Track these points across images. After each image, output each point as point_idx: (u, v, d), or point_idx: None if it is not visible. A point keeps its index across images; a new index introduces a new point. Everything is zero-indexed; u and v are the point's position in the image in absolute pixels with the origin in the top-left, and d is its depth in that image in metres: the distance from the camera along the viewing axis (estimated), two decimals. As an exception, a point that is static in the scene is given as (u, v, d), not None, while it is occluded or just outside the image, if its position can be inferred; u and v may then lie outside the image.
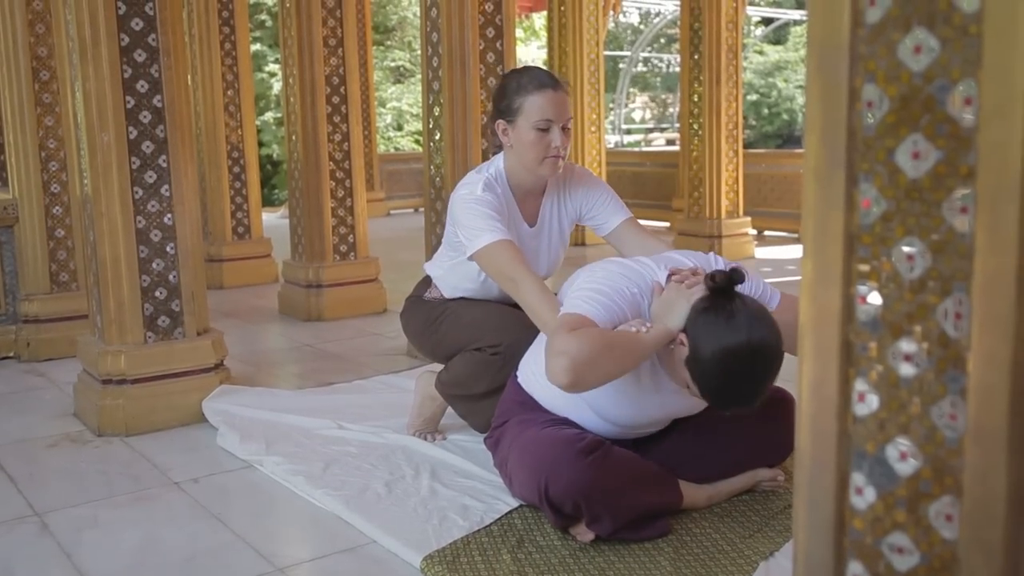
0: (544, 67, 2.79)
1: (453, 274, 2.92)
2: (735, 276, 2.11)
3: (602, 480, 2.18)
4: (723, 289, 2.10)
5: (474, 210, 2.61)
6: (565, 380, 2.02)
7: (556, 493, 2.17)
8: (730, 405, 2.10)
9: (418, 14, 4.74)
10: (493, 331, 2.73)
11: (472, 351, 2.77)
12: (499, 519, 2.40)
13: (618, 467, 2.24)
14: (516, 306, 2.66)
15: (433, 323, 2.91)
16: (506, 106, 2.68)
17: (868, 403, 0.87)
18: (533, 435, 2.31)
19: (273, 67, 16.01)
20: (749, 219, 7.30)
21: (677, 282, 2.23)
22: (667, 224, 8.95)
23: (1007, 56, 0.74)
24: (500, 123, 2.71)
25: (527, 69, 2.77)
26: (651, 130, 22.98)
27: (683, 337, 2.12)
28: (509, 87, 2.69)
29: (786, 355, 2.02)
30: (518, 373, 2.57)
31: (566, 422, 2.39)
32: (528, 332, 2.59)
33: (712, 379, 2.07)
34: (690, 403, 2.37)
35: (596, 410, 2.35)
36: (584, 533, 2.24)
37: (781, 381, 2.15)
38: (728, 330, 2.03)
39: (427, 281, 3.05)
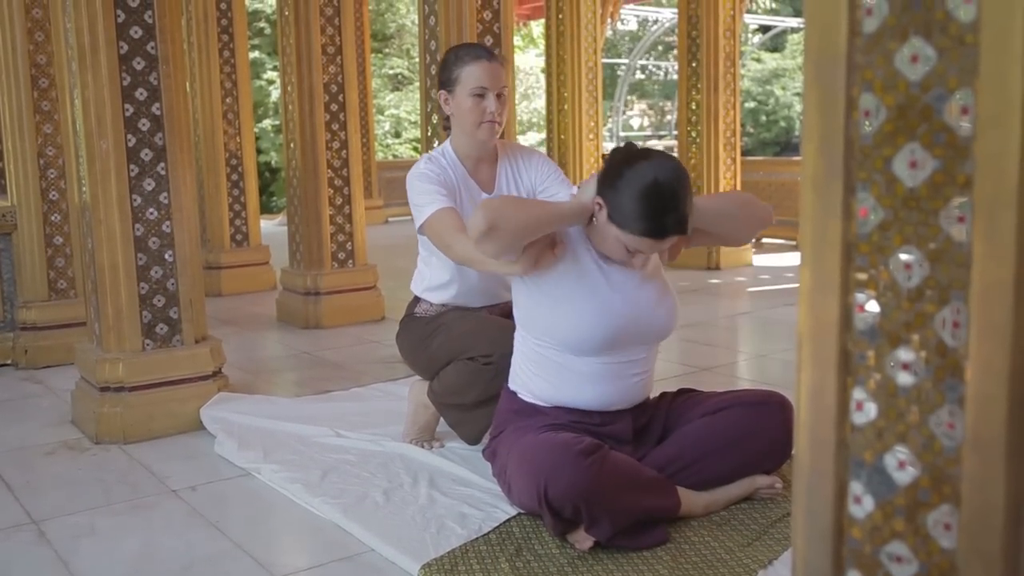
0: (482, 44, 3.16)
1: (430, 271, 2.96)
2: (628, 145, 2.38)
3: (601, 481, 2.18)
4: (617, 151, 2.36)
5: (416, 186, 2.76)
6: (482, 224, 2.22)
7: (556, 495, 2.17)
8: (661, 234, 2.25)
9: (416, 22, 4.75)
10: (486, 341, 2.74)
11: (465, 360, 2.78)
12: (497, 527, 2.40)
13: (616, 470, 2.24)
14: (508, 315, 2.70)
15: (426, 338, 2.92)
16: (446, 77, 2.86)
17: (866, 412, 0.87)
18: (531, 440, 2.31)
19: (272, 75, 16.04)
20: (747, 226, 7.29)
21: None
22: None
23: (1003, 66, 0.75)
24: (442, 93, 2.89)
25: (466, 44, 3.02)
26: (649, 137, 23.00)
27: (599, 200, 2.32)
28: (448, 60, 2.88)
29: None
30: (509, 381, 2.60)
31: (563, 427, 2.40)
32: None
33: (637, 218, 2.24)
34: (652, 299, 2.47)
35: (571, 331, 2.38)
36: (582, 541, 2.24)
37: (778, 387, 2.15)
38: (633, 174, 2.25)
39: (415, 300, 3.07)
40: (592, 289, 2.41)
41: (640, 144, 2.41)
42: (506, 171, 2.94)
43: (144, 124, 3.26)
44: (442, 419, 3.00)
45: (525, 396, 2.52)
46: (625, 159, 2.30)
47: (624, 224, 2.26)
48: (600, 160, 8.21)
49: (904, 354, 0.84)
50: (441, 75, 2.89)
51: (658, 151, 2.38)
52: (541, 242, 2.36)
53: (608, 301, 2.40)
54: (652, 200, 2.21)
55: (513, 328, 2.62)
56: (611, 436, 2.45)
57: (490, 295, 2.94)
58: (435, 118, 4.02)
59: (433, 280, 2.96)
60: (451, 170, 2.84)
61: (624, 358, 2.45)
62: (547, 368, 2.46)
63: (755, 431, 2.49)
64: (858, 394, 0.87)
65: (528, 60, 20.43)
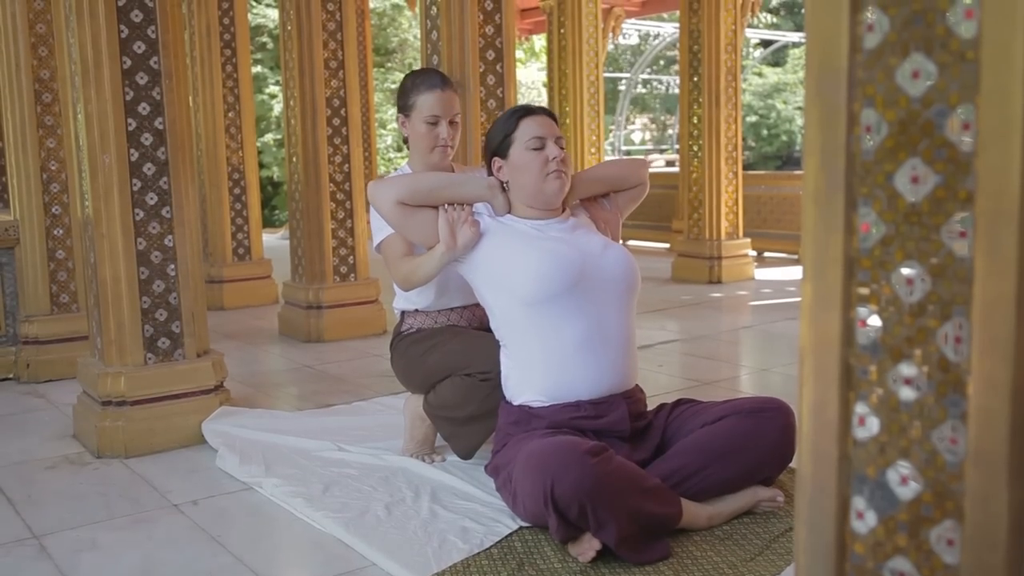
0: (439, 70, 3.35)
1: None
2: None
3: (607, 481, 2.18)
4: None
5: (374, 212, 2.88)
6: (374, 189, 2.65)
7: (563, 493, 2.16)
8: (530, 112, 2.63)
9: (419, 36, 4.77)
10: (482, 358, 2.75)
11: (462, 376, 2.79)
12: (499, 542, 2.39)
13: (622, 472, 2.26)
14: None
15: (422, 356, 2.92)
16: (403, 103, 3.01)
17: (868, 427, 0.87)
18: (536, 444, 2.32)
19: (274, 89, 16.07)
20: (749, 240, 7.31)
21: None
22: (667, 245, 8.96)
23: (1005, 81, 0.75)
24: (400, 117, 3.05)
25: (423, 71, 3.15)
26: (651, 151, 23.03)
27: (495, 162, 2.68)
28: (406, 86, 3.02)
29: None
30: (503, 393, 2.64)
31: (562, 427, 2.43)
32: None
33: (511, 113, 2.65)
34: (588, 235, 2.66)
35: (537, 285, 2.49)
36: (585, 552, 2.23)
37: (780, 396, 2.14)
38: (503, 116, 2.69)
39: (401, 319, 3.09)
40: (533, 242, 2.57)
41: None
42: None
43: (147, 138, 3.27)
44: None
45: (519, 399, 2.55)
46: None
47: (510, 122, 2.63)
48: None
49: (906, 369, 0.84)
50: (399, 100, 3.03)
51: None
52: (453, 217, 2.60)
53: (550, 246, 2.56)
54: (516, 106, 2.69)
55: None
56: (609, 430, 2.48)
57: (466, 294, 2.94)
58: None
59: (420, 295, 2.99)
60: None
61: (598, 316, 2.51)
62: (532, 361, 2.53)
63: (755, 438, 2.49)
64: (860, 409, 0.87)
65: (530, 74, 20.48)
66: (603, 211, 2.82)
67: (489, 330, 2.82)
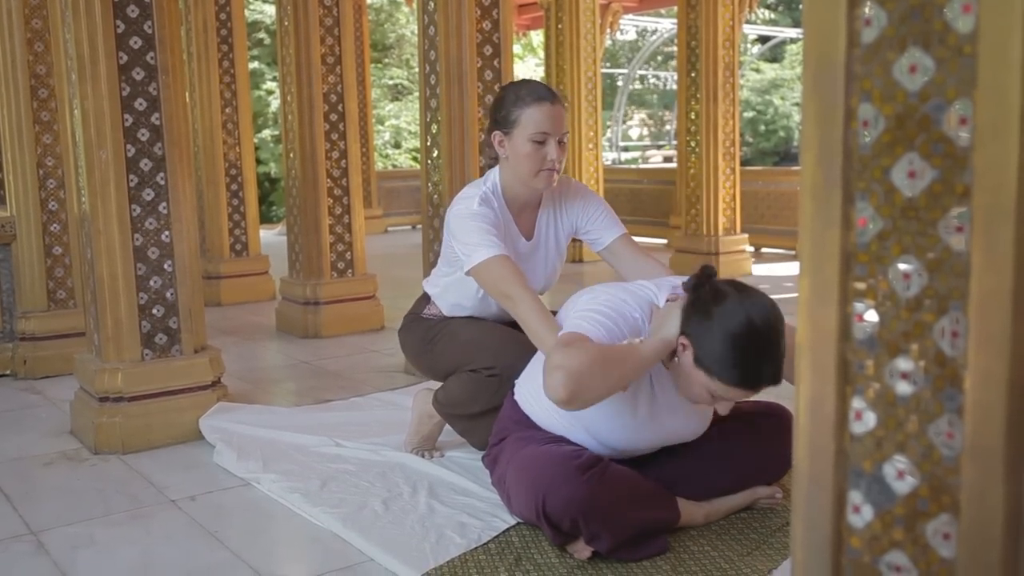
0: (543, 82, 2.84)
1: (451, 291, 2.92)
2: (707, 269, 2.17)
3: (600, 496, 2.17)
4: (703, 282, 2.15)
5: (471, 226, 2.60)
6: (563, 394, 2.01)
7: (554, 510, 2.17)
8: (756, 384, 2.07)
9: (416, 32, 4.76)
10: (490, 352, 2.72)
11: (468, 372, 2.76)
12: (497, 537, 2.39)
13: (616, 483, 2.24)
14: (514, 324, 2.64)
15: (430, 341, 2.90)
16: (503, 117, 2.67)
17: (865, 421, 0.87)
18: (531, 452, 2.31)
19: (271, 85, 16.06)
20: (746, 236, 7.31)
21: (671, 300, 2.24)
22: (664, 241, 8.96)
23: (1002, 76, 0.75)
24: (497, 134, 2.71)
25: (526, 82, 2.78)
26: (648, 147, 23.02)
27: (684, 340, 2.12)
28: (507, 99, 2.69)
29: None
30: (515, 392, 2.57)
31: (564, 439, 2.39)
32: (525, 353, 2.58)
33: (729, 366, 2.05)
34: (686, 429, 2.40)
35: (593, 434, 2.35)
36: (581, 551, 2.24)
37: (778, 398, 2.14)
38: (725, 313, 2.05)
39: (425, 298, 3.04)
40: (632, 408, 2.30)
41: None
42: (547, 217, 2.85)
43: (143, 134, 3.26)
44: (446, 428, 2.99)
45: (530, 413, 2.49)
46: (713, 296, 2.10)
47: (714, 371, 2.07)
48: (599, 172, 8.22)
49: (903, 363, 0.84)
50: (496, 113, 2.71)
51: (745, 285, 2.15)
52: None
53: (643, 429, 2.35)
54: (748, 348, 2.03)
55: (517, 336, 2.60)
56: (612, 458, 2.44)
57: (505, 315, 2.82)
58: (435, 128, 4.02)
59: (450, 295, 2.93)
60: (499, 212, 2.71)
61: (633, 454, 2.45)
62: (561, 416, 2.37)
63: (756, 443, 2.49)
64: (857, 403, 0.87)
65: (528, 69, 20.46)
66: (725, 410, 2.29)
67: (507, 324, 2.77)
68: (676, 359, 2.18)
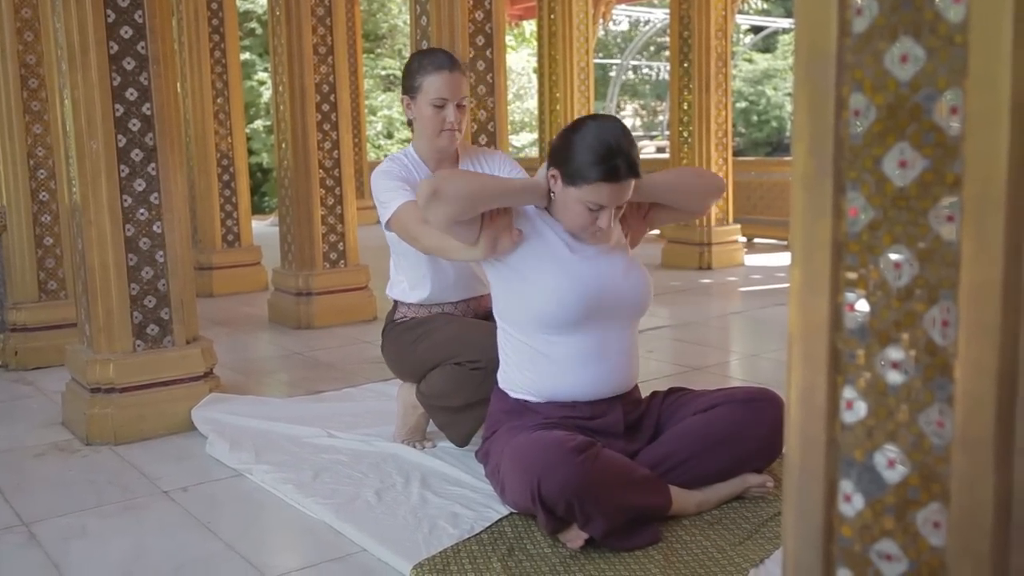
0: (447, 50, 3.13)
1: (403, 271, 3.00)
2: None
3: (593, 478, 2.18)
4: (561, 130, 2.48)
5: (380, 184, 2.82)
6: (426, 188, 2.31)
7: (549, 492, 2.17)
8: (615, 175, 2.32)
9: (408, 22, 4.75)
10: (472, 347, 2.75)
11: (452, 365, 2.78)
12: (489, 527, 2.40)
13: (609, 467, 2.25)
14: (490, 317, 2.72)
15: (412, 343, 2.92)
16: (409, 84, 2.91)
17: (856, 410, 0.87)
18: (523, 439, 2.32)
19: (263, 75, 16.01)
20: (739, 226, 7.32)
21: None
22: (656, 232, 8.96)
23: (992, 66, 0.75)
24: (405, 98, 2.95)
25: (430, 51, 3.01)
26: (641, 138, 23.02)
27: (552, 171, 2.42)
28: (413, 67, 2.92)
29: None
30: (498, 381, 2.61)
31: (555, 424, 2.40)
32: None
33: (588, 165, 2.32)
34: (615, 261, 2.52)
35: (547, 314, 2.42)
36: (574, 540, 2.24)
37: (769, 386, 2.14)
38: (577, 130, 2.38)
39: (394, 306, 3.08)
40: (559, 260, 2.46)
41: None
42: (468, 168, 2.99)
43: (134, 124, 3.25)
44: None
45: (515, 393, 2.53)
46: (569, 127, 2.43)
47: (579, 176, 2.34)
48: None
49: (894, 353, 0.84)
50: (404, 81, 2.95)
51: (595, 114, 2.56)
52: (497, 225, 2.42)
53: (576, 270, 2.45)
54: (601, 146, 2.32)
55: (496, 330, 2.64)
56: (603, 431, 2.46)
57: (466, 287, 2.98)
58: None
59: (407, 279, 2.99)
60: (414, 169, 2.90)
61: (602, 336, 2.47)
62: (531, 359, 2.48)
63: (747, 428, 2.49)
64: (848, 393, 0.87)
65: (520, 60, 20.43)
66: (637, 220, 2.65)
67: (484, 318, 2.81)
68: (552, 195, 2.44)
